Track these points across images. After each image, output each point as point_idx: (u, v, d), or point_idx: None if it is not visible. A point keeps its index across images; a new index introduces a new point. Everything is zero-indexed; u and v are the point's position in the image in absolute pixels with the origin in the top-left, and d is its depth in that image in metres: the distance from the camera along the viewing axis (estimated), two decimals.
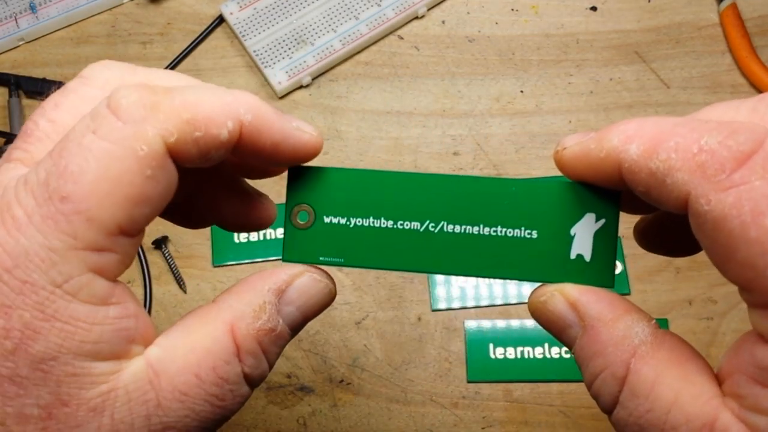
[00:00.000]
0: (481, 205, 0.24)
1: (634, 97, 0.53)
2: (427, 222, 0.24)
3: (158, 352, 0.22)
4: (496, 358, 0.46)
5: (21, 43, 0.55)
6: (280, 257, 0.26)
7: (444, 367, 0.46)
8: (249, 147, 0.23)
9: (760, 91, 0.52)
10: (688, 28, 0.54)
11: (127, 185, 0.20)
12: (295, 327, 0.24)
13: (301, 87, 0.53)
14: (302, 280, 0.24)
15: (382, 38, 0.55)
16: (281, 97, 0.53)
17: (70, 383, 0.20)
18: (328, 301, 0.25)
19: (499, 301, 0.48)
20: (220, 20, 0.55)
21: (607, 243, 0.24)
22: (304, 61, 0.53)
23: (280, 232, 0.49)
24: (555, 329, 0.24)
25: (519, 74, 0.54)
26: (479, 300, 0.48)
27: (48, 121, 0.22)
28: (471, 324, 0.47)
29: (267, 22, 0.54)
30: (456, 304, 0.48)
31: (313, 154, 0.24)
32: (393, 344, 0.47)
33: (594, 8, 0.55)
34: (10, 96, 0.53)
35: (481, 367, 0.46)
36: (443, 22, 0.55)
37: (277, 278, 0.24)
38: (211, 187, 0.28)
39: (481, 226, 0.24)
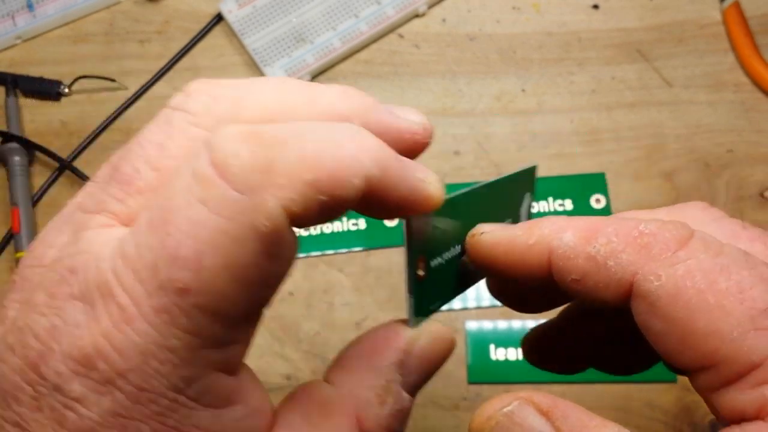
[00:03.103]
0: (482, 209, 0.24)
1: (636, 95, 0.52)
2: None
3: None
4: (497, 359, 0.46)
5: (18, 41, 0.55)
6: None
7: (444, 368, 0.46)
8: (370, 203, 0.18)
9: (763, 89, 0.51)
10: (691, 27, 0.54)
11: (252, 268, 0.16)
12: (416, 393, 0.22)
13: None
14: (422, 344, 0.21)
15: (382, 36, 0.54)
16: None
17: None
18: (448, 355, 0.22)
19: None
20: (219, 18, 0.55)
21: (532, 212, 0.26)
22: (304, 60, 0.52)
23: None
24: None
25: (520, 73, 0.53)
26: (480, 300, 0.48)
27: (153, 170, 0.18)
28: (472, 325, 0.47)
29: (266, 20, 0.54)
30: (457, 305, 0.48)
31: (433, 209, 0.20)
32: None
33: (596, 6, 0.55)
34: (8, 95, 0.52)
35: (482, 369, 0.46)
36: (444, 20, 0.55)
37: (397, 348, 0.21)
38: None
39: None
